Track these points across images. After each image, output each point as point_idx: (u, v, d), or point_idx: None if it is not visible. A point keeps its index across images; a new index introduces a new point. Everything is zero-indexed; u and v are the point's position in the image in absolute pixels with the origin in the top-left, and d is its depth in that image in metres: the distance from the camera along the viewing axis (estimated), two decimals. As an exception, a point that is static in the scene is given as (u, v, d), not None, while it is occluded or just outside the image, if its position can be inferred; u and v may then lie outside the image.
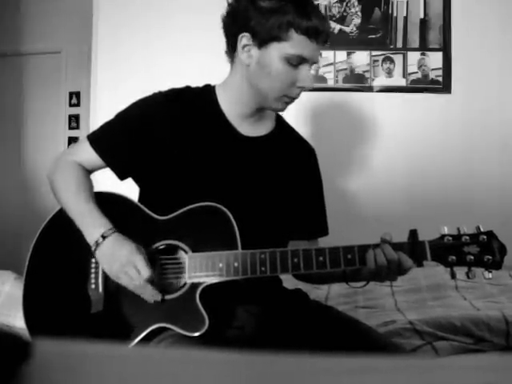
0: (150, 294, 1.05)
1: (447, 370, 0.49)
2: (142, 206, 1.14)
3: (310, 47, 1.09)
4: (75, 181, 1.16)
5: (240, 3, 1.12)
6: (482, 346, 1.29)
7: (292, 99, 1.16)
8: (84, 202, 1.12)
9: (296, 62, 1.10)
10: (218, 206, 1.07)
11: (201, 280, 1.05)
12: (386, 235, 1.04)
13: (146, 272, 1.03)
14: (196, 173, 1.16)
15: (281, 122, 1.29)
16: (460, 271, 1.03)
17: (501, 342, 1.29)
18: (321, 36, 1.10)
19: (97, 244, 1.07)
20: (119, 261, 1.04)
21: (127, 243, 1.06)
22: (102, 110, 2.47)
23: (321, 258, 1.03)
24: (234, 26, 1.13)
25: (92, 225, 1.09)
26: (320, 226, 1.30)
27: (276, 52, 1.09)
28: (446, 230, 1.03)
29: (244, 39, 1.12)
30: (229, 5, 1.15)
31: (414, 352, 1.27)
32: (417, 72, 2.44)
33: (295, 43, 1.08)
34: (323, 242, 1.26)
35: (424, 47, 2.43)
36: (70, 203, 1.14)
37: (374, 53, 2.45)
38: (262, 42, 1.10)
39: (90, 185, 1.19)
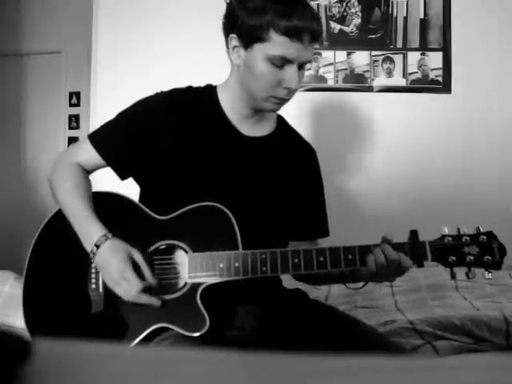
0: (148, 302, 1.05)
1: (447, 370, 0.49)
2: (142, 206, 1.14)
3: (294, 47, 1.06)
4: (73, 183, 1.16)
5: (231, 3, 1.12)
6: (482, 345, 1.29)
7: (282, 100, 1.13)
8: (80, 207, 1.12)
9: (279, 62, 1.07)
10: (219, 205, 1.07)
11: (201, 280, 1.05)
12: (387, 234, 1.04)
13: (136, 284, 1.03)
14: (197, 172, 1.16)
15: (282, 123, 1.29)
16: (460, 271, 1.03)
17: (501, 342, 1.29)
18: (305, 34, 1.06)
19: (92, 253, 1.07)
20: (109, 274, 1.05)
21: (118, 252, 1.05)
22: (101, 110, 2.47)
23: (321, 259, 1.03)
24: (226, 26, 1.14)
25: (87, 232, 1.09)
26: (320, 227, 1.30)
27: (259, 53, 1.08)
28: (446, 231, 1.03)
29: (233, 40, 1.12)
30: (227, 4, 1.15)
31: (414, 351, 1.27)
32: (417, 72, 2.44)
33: (276, 44, 1.06)
34: (323, 243, 1.26)
35: (424, 47, 2.43)
36: (66, 206, 1.14)
37: (374, 53, 2.45)
38: (247, 42, 1.09)
39: (88, 187, 1.19)
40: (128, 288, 1.03)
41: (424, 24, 2.44)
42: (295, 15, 1.05)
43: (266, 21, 1.05)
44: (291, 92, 1.12)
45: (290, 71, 1.09)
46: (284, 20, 1.04)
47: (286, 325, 1.14)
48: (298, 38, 1.05)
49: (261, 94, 1.12)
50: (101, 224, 1.09)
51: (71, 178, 1.17)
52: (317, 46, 1.14)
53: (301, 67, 1.11)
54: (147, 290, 1.05)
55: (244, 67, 1.12)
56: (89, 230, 1.09)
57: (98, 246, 1.06)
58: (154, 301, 1.04)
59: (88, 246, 1.08)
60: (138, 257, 1.06)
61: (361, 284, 1.13)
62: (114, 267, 1.04)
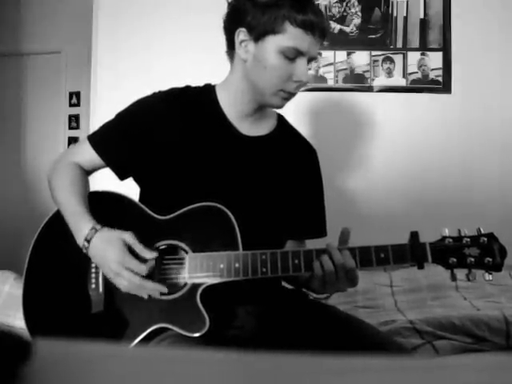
0: (153, 290, 1.04)
1: (447, 370, 0.49)
2: (142, 206, 1.14)
3: (306, 40, 1.08)
4: (69, 182, 1.16)
5: (238, 0, 1.13)
6: (482, 345, 1.29)
7: (290, 94, 1.14)
8: (74, 204, 1.11)
9: (292, 55, 1.09)
10: (219, 206, 1.07)
11: (201, 280, 1.05)
12: (344, 230, 1.04)
13: (140, 269, 1.02)
14: (196, 172, 1.16)
15: (282, 122, 1.29)
16: (460, 272, 1.03)
17: (501, 342, 1.29)
18: (317, 29, 1.09)
19: (85, 248, 1.07)
20: (109, 267, 1.04)
21: (112, 243, 1.04)
22: (101, 110, 2.47)
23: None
24: (232, 22, 1.15)
25: (78, 227, 1.08)
26: (317, 227, 1.29)
27: (272, 45, 1.09)
28: (446, 232, 1.03)
29: (241, 34, 1.12)
30: (228, 4, 1.15)
31: (414, 351, 1.27)
32: (417, 72, 2.44)
33: (291, 35, 1.08)
34: (323, 243, 1.25)
35: (424, 47, 2.43)
36: (62, 204, 1.14)
37: (374, 53, 2.45)
38: (258, 35, 1.10)
39: (85, 185, 1.18)
40: (131, 276, 1.02)
41: (424, 24, 2.44)
42: (309, 10, 1.08)
43: (281, 14, 1.07)
44: (300, 86, 1.13)
45: (301, 64, 1.10)
46: (301, 14, 1.07)
47: (285, 324, 1.14)
48: (311, 32, 1.08)
49: (270, 88, 1.12)
50: (89, 217, 1.08)
51: (68, 177, 1.17)
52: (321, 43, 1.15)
53: (308, 63, 1.13)
54: (151, 278, 1.04)
55: (253, 61, 1.12)
56: (78, 225, 1.08)
57: (88, 241, 1.06)
58: (159, 287, 1.04)
59: (80, 241, 1.07)
60: (131, 240, 1.05)
61: (325, 295, 1.14)
62: (112, 259, 1.03)
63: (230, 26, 1.15)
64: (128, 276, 1.03)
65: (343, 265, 1.01)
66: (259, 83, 1.13)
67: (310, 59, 1.13)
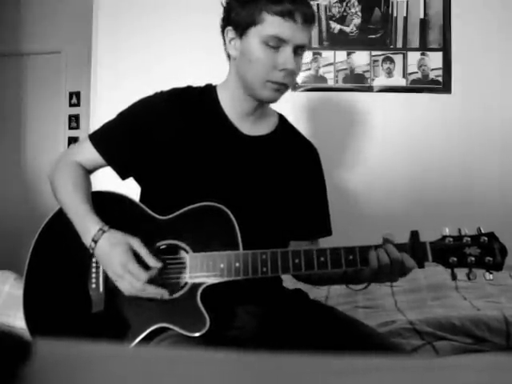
0: (155, 294, 1.04)
1: (447, 370, 0.49)
2: (143, 206, 1.14)
3: (287, 27, 1.08)
4: (72, 181, 1.16)
5: (227, 1, 1.16)
6: (482, 346, 1.29)
7: (280, 85, 1.13)
8: (79, 204, 1.11)
9: (274, 43, 1.09)
10: (219, 205, 1.07)
11: (202, 280, 1.05)
12: (388, 235, 1.04)
13: (142, 276, 1.02)
14: (197, 172, 1.16)
15: (283, 122, 1.29)
16: (460, 272, 1.03)
17: (501, 342, 1.29)
18: (298, 15, 1.08)
19: (91, 248, 1.07)
20: (112, 269, 1.04)
21: (118, 245, 1.04)
22: (101, 110, 2.47)
23: (322, 259, 1.03)
24: (222, 22, 1.17)
25: (85, 227, 1.08)
26: (323, 226, 1.30)
27: (254, 37, 1.10)
28: (447, 231, 1.03)
29: (229, 33, 1.15)
30: (223, 6, 1.17)
31: (414, 352, 1.27)
32: (417, 72, 2.44)
33: (270, 24, 1.08)
34: (324, 242, 1.26)
35: (424, 47, 2.44)
36: (66, 204, 1.14)
37: (373, 53, 2.45)
38: (242, 31, 1.12)
39: (88, 185, 1.19)
40: (133, 280, 1.02)
41: (424, 24, 2.44)
42: (285, 0, 1.08)
43: (259, 7, 1.08)
44: (288, 75, 1.12)
45: (285, 52, 1.10)
46: (277, 4, 1.08)
47: (286, 325, 1.14)
48: (290, 17, 1.08)
49: (258, 80, 1.12)
50: (97, 218, 1.09)
51: (71, 177, 1.17)
52: (316, 40, 1.15)
53: (297, 52, 1.12)
54: (152, 282, 1.04)
55: (240, 57, 1.14)
56: (86, 225, 1.09)
57: (95, 241, 1.06)
58: (161, 291, 1.04)
59: (86, 241, 1.08)
60: (138, 245, 1.05)
61: (363, 285, 1.13)
62: (116, 261, 1.03)
63: (222, 25, 1.17)
64: (130, 280, 1.03)
65: (400, 260, 1.00)
66: (247, 77, 1.14)
67: (298, 47, 1.11)
